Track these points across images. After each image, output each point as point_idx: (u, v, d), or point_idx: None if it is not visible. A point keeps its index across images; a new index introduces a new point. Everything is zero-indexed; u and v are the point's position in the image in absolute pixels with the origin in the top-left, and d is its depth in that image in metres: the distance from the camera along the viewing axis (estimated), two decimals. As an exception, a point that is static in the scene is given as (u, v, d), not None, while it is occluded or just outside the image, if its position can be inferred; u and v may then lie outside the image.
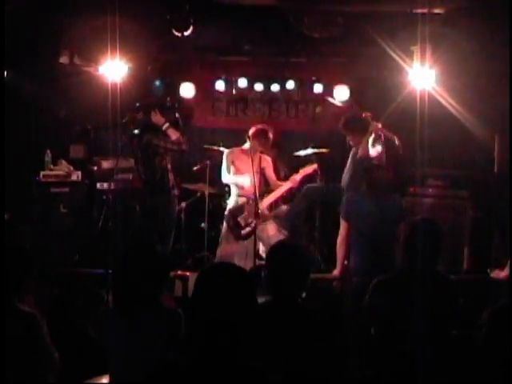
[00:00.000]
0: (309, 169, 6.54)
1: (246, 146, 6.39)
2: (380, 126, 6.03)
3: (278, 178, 6.76)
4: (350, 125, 6.24)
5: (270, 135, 6.45)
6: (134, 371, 2.89)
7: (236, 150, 6.55)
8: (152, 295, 2.99)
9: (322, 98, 8.11)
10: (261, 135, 6.38)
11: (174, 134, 6.13)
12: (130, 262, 3.01)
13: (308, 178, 6.71)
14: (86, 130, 7.61)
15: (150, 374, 2.11)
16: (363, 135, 6.05)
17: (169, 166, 6.29)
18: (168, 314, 3.03)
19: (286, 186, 6.53)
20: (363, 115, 6.14)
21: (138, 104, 6.40)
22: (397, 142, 6.04)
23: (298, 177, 6.50)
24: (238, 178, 6.41)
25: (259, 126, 6.51)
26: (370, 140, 5.96)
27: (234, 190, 6.51)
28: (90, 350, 3.21)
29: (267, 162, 6.58)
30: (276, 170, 6.87)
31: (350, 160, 6.34)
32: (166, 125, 6.13)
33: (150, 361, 2.89)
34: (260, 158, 6.47)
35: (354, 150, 6.29)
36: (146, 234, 6.40)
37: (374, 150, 6.16)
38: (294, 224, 6.80)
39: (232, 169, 6.45)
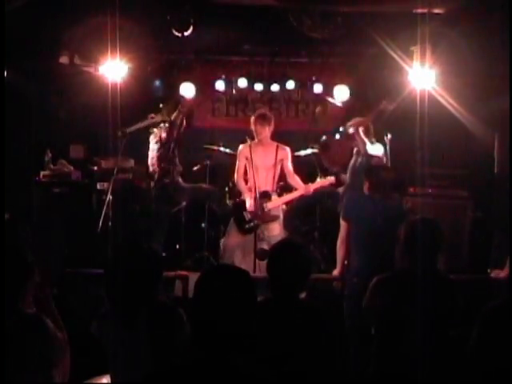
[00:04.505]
0: (325, 181, 6.36)
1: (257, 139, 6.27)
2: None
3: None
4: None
5: (271, 117, 6.26)
6: (134, 372, 2.89)
7: (250, 143, 6.33)
8: (146, 295, 2.98)
9: (322, 98, 8.11)
10: (262, 118, 6.21)
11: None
12: (118, 262, 3.01)
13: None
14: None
15: (150, 374, 2.11)
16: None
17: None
18: (168, 313, 3.02)
19: (297, 193, 6.34)
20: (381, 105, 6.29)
21: (182, 107, 6.84)
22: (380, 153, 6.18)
23: (312, 187, 6.29)
24: (244, 191, 6.29)
25: (257, 111, 6.41)
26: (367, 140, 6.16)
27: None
28: (90, 350, 3.21)
29: (285, 153, 6.32)
30: None
31: (353, 159, 6.41)
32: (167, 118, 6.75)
33: (150, 361, 2.89)
34: (277, 148, 6.25)
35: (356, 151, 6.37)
36: (140, 233, 6.48)
37: (375, 150, 6.20)
38: (295, 224, 6.80)
39: (246, 165, 6.29)
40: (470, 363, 2.60)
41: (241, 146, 6.43)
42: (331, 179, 6.39)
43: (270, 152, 6.22)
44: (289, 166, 6.36)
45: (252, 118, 6.29)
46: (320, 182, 6.38)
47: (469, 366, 2.62)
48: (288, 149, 6.38)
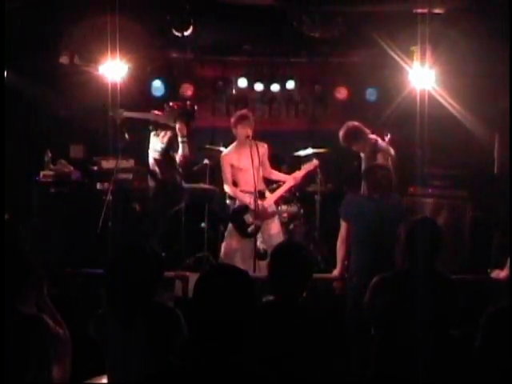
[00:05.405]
0: (310, 166, 6.37)
1: (239, 142, 6.22)
2: (374, 138, 6.18)
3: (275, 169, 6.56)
4: (350, 136, 6.29)
5: (251, 116, 6.24)
6: (131, 372, 2.89)
7: (231, 148, 6.31)
8: (145, 296, 2.98)
9: (322, 98, 8.12)
10: (243, 118, 6.15)
11: (184, 149, 6.50)
12: (118, 262, 3.01)
13: (309, 175, 6.68)
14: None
15: (150, 374, 2.11)
16: (364, 140, 6.16)
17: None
18: (165, 314, 3.02)
19: (287, 185, 6.33)
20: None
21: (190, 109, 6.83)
22: (392, 153, 6.13)
23: (299, 174, 6.32)
24: (239, 194, 6.25)
25: (237, 113, 6.37)
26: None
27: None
28: (90, 350, 3.21)
29: (265, 149, 6.27)
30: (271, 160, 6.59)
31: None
32: (185, 139, 6.50)
33: (147, 361, 2.89)
34: (257, 147, 6.09)
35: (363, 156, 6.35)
36: (139, 233, 6.47)
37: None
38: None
39: (234, 171, 6.26)
40: (475, 366, 2.60)
41: (223, 153, 6.38)
42: (315, 163, 6.39)
43: (254, 152, 6.09)
44: (266, 160, 6.34)
45: (232, 120, 6.20)
46: (305, 167, 6.38)
47: (474, 368, 2.62)
48: (266, 145, 6.32)
